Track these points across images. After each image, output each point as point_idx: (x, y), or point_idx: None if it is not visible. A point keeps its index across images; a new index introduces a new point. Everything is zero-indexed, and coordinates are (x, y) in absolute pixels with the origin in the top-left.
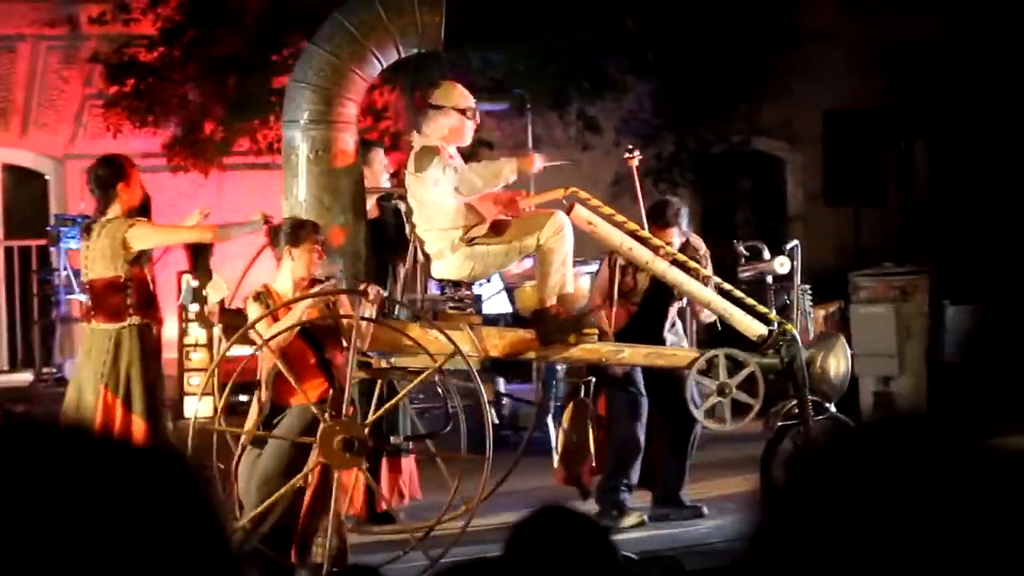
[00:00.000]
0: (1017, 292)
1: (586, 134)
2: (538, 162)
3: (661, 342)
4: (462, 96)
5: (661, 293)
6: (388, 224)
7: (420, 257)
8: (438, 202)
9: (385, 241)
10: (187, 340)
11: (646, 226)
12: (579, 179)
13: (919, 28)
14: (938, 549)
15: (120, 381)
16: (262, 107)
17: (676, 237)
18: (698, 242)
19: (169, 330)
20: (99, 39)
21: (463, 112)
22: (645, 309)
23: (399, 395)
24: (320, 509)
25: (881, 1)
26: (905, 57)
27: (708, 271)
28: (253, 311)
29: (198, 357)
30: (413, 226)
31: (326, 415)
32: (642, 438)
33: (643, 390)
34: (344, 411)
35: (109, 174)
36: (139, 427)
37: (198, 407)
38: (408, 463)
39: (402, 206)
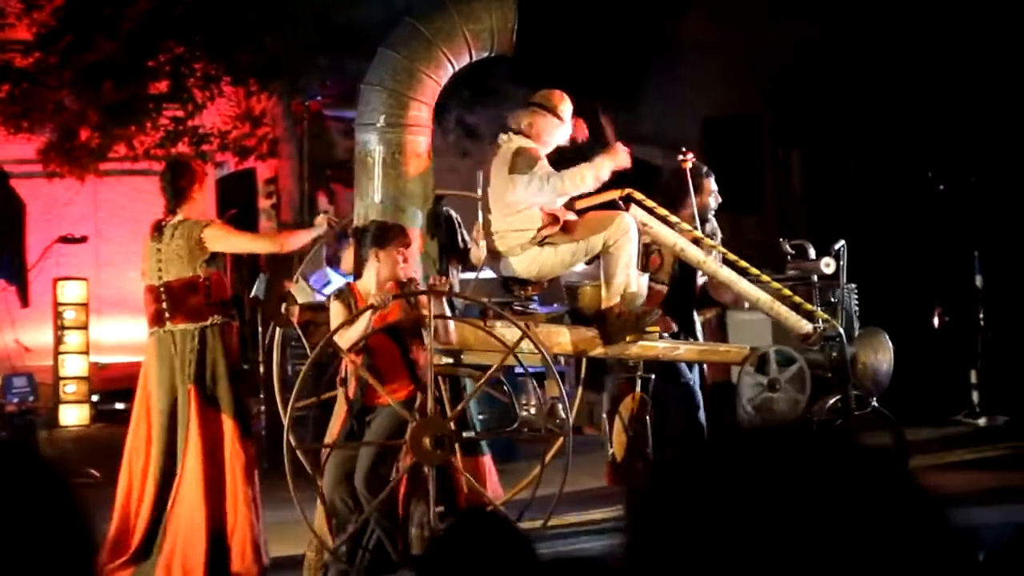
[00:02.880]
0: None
1: (465, 141)
2: (622, 155)
3: (691, 324)
4: (560, 99)
5: (687, 272)
6: (440, 228)
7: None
8: (523, 204)
9: (440, 245)
10: (62, 348)
11: (691, 189)
12: (456, 184)
13: (794, 37)
14: (801, 551)
15: (207, 380)
16: (138, 113)
17: (715, 187)
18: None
19: (45, 337)
20: None
21: (552, 111)
22: (674, 290)
23: (474, 388)
24: (414, 504)
25: (755, 10)
26: (780, 65)
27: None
28: (335, 311)
29: (73, 364)
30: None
31: (414, 415)
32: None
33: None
34: (431, 410)
35: (183, 176)
36: (229, 426)
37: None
38: (487, 461)
39: (453, 213)
